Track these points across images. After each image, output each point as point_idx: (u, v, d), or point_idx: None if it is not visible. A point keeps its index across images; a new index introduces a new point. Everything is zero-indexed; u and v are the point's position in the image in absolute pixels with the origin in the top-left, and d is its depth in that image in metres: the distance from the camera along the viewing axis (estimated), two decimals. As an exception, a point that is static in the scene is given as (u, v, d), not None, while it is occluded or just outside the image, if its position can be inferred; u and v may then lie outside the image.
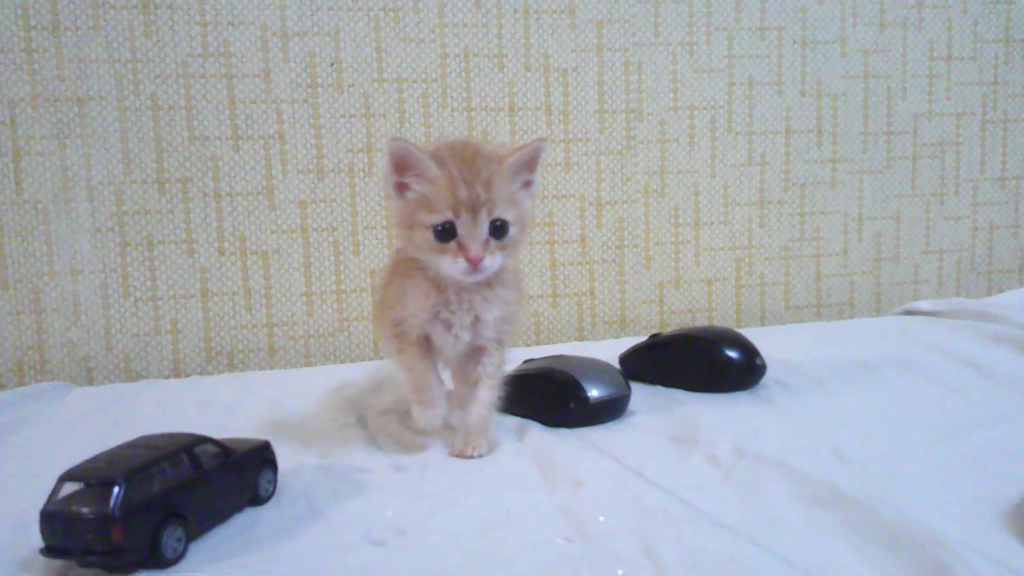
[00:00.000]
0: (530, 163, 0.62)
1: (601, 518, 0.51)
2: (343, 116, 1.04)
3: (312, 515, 0.54)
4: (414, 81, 1.05)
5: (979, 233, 1.24)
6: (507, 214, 0.59)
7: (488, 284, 0.62)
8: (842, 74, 1.17)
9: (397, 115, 1.05)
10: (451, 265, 0.58)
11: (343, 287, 1.06)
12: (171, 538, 0.48)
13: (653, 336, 0.87)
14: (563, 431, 0.69)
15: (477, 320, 0.63)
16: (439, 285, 0.62)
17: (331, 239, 1.05)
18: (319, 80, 1.03)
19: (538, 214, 1.10)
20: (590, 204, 1.12)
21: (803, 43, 1.16)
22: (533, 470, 0.61)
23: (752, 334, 1.05)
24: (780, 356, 0.90)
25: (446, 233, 0.58)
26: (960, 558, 0.41)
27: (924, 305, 1.11)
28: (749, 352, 0.82)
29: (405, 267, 0.63)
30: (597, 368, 0.75)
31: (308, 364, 1.05)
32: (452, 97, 1.06)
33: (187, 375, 1.01)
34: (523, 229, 0.61)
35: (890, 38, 1.19)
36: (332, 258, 1.05)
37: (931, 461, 0.59)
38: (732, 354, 0.81)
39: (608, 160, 1.12)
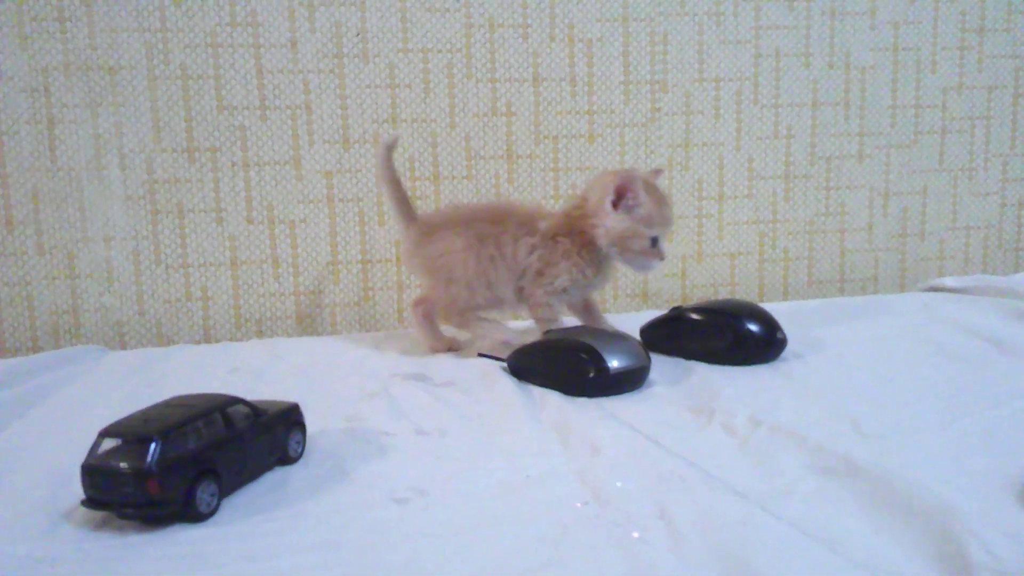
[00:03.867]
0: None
1: (619, 483, 0.52)
2: (368, 86, 1.04)
3: (338, 475, 0.56)
4: (439, 51, 1.05)
5: (1007, 209, 1.23)
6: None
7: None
8: (871, 46, 1.16)
9: (422, 85, 1.05)
10: (653, 262, 0.86)
11: (368, 257, 1.07)
12: (205, 493, 0.50)
13: (674, 309, 0.88)
14: (583, 400, 0.71)
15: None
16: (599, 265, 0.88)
17: (356, 209, 1.06)
18: (345, 50, 1.03)
19: (562, 186, 1.10)
20: (613, 176, 1.11)
21: (832, 14, 1.15)
22: (552, 436, 0.62)
23: (774, 309, 1.06)
24: (801, 331, 0.90)
25: (655, 241, 0.84)
26: (971, 529, 0.42)
27: (948, 282, 1.10)
28: (770, 326, 0.82)
29: (576, 251, 0.86)
30: (618, 339, 0.76)
31: (334, 332, 1.07)
32: (476, 67, 1.07)
33: (217, 341, 1.03)
34: None
35: (921, 9, 1.17)
36: (358, 228, 1.07)
37: (946, 435, 0.59)
38: (753, 327, 0.82)
39: (632, 132, 1.12)
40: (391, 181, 0.90)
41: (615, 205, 0.83)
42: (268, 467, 0.56)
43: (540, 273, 0.86)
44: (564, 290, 0.87)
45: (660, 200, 0.84)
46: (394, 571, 0.44)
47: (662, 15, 1.10)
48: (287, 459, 0.58)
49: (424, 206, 1.07)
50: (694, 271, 1.16)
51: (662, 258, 0.85)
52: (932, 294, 1.09)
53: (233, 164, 1.03)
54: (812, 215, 1.18)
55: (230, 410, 0.53)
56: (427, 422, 0.66)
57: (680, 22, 1.11)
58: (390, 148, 0.90)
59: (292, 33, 1.02)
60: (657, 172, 0.89)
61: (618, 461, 0.56)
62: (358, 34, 1.03)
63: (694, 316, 0.85)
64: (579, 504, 0.50)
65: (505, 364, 0.80)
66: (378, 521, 0.49)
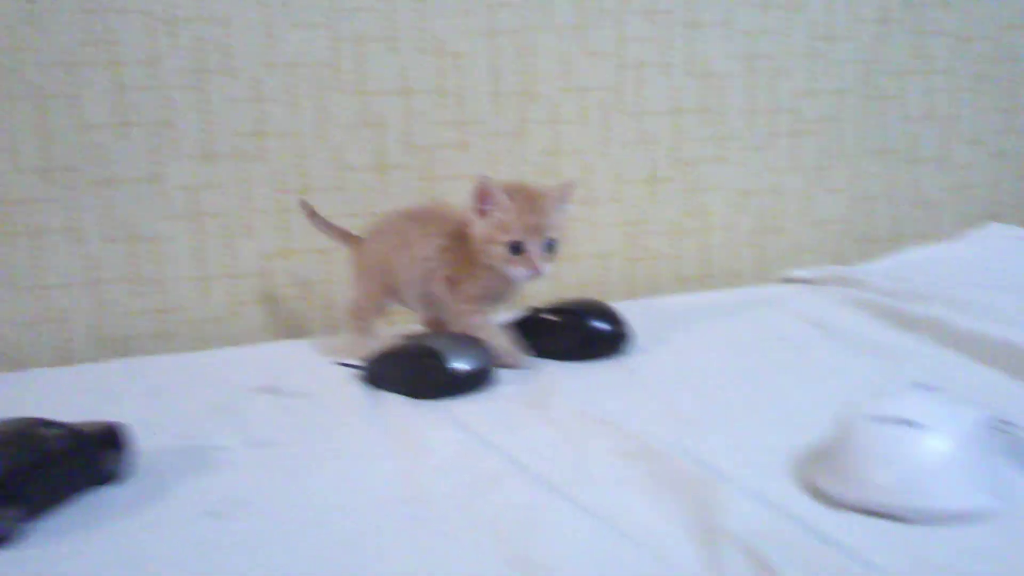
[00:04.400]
0: (567, 197, 0.85)
1: (437, 483, 0.55)
2: (233, 100, 1.04)
3: (158, 492, 0.57)
4: (306, 65, 1.06)
5: (857, 204, 1.31)
6: (556, 235, 0.83)
7: None
8: (727, 55, 1.22)
9: (289, 99, 1.06)
10: (519, 272, 0.82)
11: (235, 271, 1.07)
12: (8, 518, 0.49)
13: (529, 309, 0.91)
14: (429, 403, 0.73)
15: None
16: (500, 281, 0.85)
17: (222, 224, 1.06)
18: (209, 66, 1.03)
19: (435, 196, 1.12)
20: (484, 184, 1.14)
21: (690, 25, 1.20)
22: (386, 441, 0.64)
23: (638, 305, 1.11)
24: (654, 326, 0.95)
25: (516, 249, 0.80)
26: (729, 497, 0.46)
27: (801, 273, 1.17)
28: (615, 322, 0.87)
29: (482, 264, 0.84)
30: (464, 342, 0.78)
31: (201, 349, 1.06)
32: (345, 81, 1.08)
33: (77, 362, 1.01)
34: (563, 244, 0.84)
35: (774, 19, 1.24)
36: (223, 243, 1.06)
37: (754, 417, 0.64)
38: (599, 325, 0.86)
39: (503, 141, 1.15)
40: (325, 228, 0.97)
41: (479, 212, 0.82)
42: (85, 488, 0.56)
43: (452, 281, 0.86)
44: (481, 296, 0.85)
45: (528, 208, 0.81)
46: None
47: (528, 28, 1.14)
48: (107, 479, 0.58)
49: (292, 218, 1.07)
50: (566, 272, 1.20)
51: (531, 268, 0.81)
52: (786, 285, 1.16)
53: (93, 183, 1.01)
54: (677, 215, 1.23)
55: (38, 432, 0.53)
56: (263, 434, 0.67)
57: (546, 35, 1.14)
58: (313, 214, 0.97)
59: (153, 50, 1.01)
60: (566, 185, 0.85)
61: (444, 461, 0.58)
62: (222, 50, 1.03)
63: (546, 316, 0.88)
64: (400, 504, 0.52)
65: (361, 372, 0.82)
66: (190, 537, 0.50)
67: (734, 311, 1.02)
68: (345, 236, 0.97)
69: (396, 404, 0.72)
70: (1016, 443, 0.50)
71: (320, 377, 0.84)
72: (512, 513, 0.49)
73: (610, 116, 1.18)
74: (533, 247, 0.81)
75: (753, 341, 0.88)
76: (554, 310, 0.89)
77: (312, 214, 0.97)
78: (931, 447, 0.45)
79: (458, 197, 1.12)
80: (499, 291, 0.85)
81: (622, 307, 1.09)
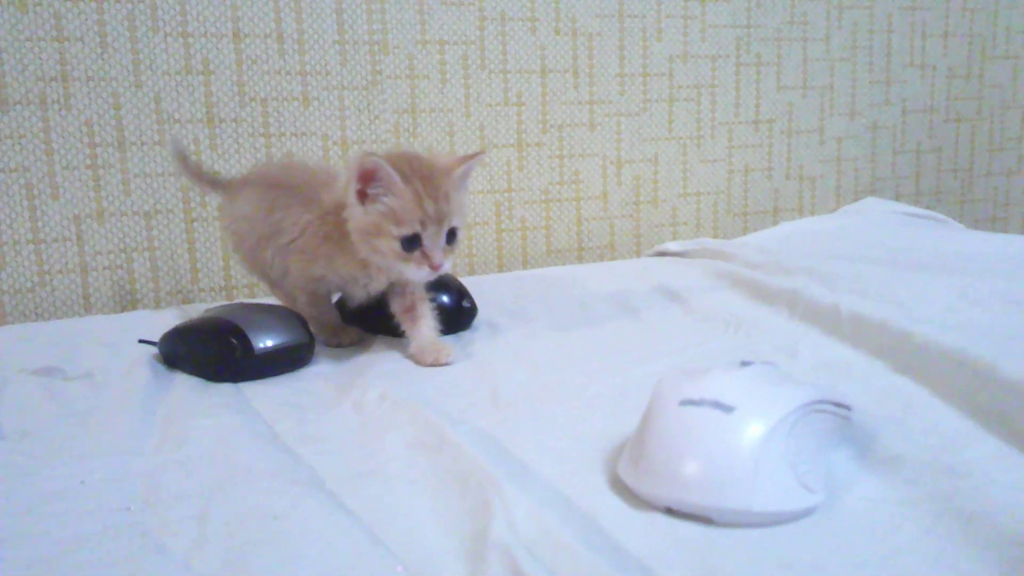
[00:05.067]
0: (468, 173, 0.70)
1: (176, 483, 0.45)
2: (29, 39, 0.90)
3: None
4: (115, 0, 0.93)
5: (734, 175, 1.27)
6: (458, 222, 0.68)
7: None
8: (597, 12, 1.15)
9: (98, 38, 0.93)
10: (415, 271, 0.66)
11: (41, 236, 0.94)
12: None
13: (366, 281, 0.82)
14: (224, 387, 0.63)
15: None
16: (366, 264, 0.68)
17: (22, 181, 0.92)
18: (-6, -4, 0.89)
19: (276, 154, 1.01)
20: (334, 143, 1.04)
21: (558, -22, 1.12)
22: (152, 432, 0.54)
23: (502, 279, 1.03)
24: (512, 299, 0.88)
25: (412, 243, 0.65)
26: (507, 498, 0.39)
27: (672, 246, 1.12)
28: (457, 295, 0.79)
29: (337, 237, 0.68)
30: (273, 315, 0.69)
31: (2, 323, 0.93)
32: (165, 21, 0.95)
33: None
34: (463, 231, 0.70)
35: (647, -23, 1.17)
36: (26, 203, 0.93)
37: (580, 397, 0.57)
38: (439, 298, 0.77)
39: (352, 96, 1.04)
40: (188, 172, 0.84)
41: (361, 195, 0.65)
42: None
43: (284, 272, 0.73)
44: (318, 279, 0.72)
45: (426, 190, 0.64)
46: None
47: (379, -29, 1.03)
48: None
49: (107, 175, 0.94)
50: (428, 243, 1.11)
51: (432, 265, 0.65)
52: (657, 259, 1.11)
53: None
54: (547, 184, 1.16)
55: None
56: (14, 424, 0.56)
57: (399, -21, 1.04)
58: (184, 157, 0.84)
59: (-75, -27, 0.86)
60: (469, 156, 0.69)
61: (198, 456, 0.49)
62: (9, -23, 0.89)
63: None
64: (122, 512, 0.43)
65: (157, 351, 0.71)
66: None
67: (597, 285, 0.96)
68: (204, 179, 0.83)
69: (183, 388, 0.62)
70: (842, 426, 0.45)
71: (115, 357, 0.72)
72: (250, 523, 0.40)
73: (472, 73, 1.10)
74: (434, 241, 0.65)
75: (606, 316, 0.82)
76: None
77: (183, 157, 0.83)
78: (742, 435, 0.39)
79: (300, 156, 1.02)
80: (360, 285, 0.71)
81: (486, 281, 1.02)
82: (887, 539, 0.37)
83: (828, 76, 1.29)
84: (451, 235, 0.67)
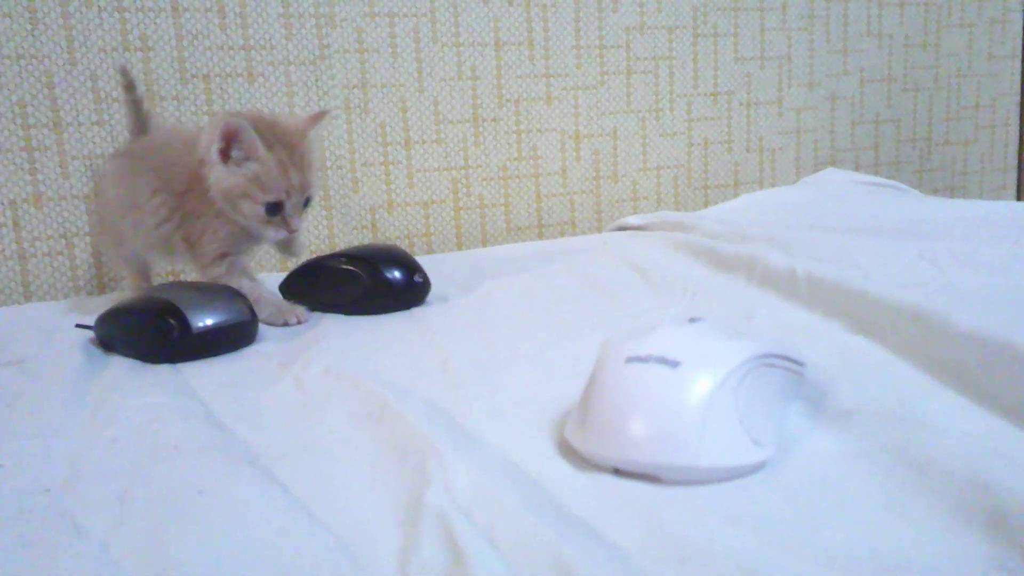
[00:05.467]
0: (313, 133, 0.74)
1: (101, 463, 0.43)
2: (-49, 15, 0.86)
3: None
4: (47, -25, 0.89)
5: (694, 149, 1.26)
6: (313, 188, 0.72)
7: None
8: (551, -17, 1.12)
9: (27, 15, 0.88)
10: (274, 233, 0.71)
11: (-26, 221, 0.90)
12: None
13: (315, 258, 0.80)
14: (161, 368, 0.60)
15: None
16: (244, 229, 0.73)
17: (-50, 164, 0.88)
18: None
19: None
20: (282, 121, 1.01)
21: (512, -51, 1.10)
22: (81, 413, 0.51)
23: (462, 256, 1.01)
24: (467, 275, 0.86)
25: (275, 209, 0.69)
26: (446, 464, 0.37)
27: (632, 220, 1.11)
28: (409, 270, 0.76)
29: (217, 211, 0.71)
30: (214, 294, 0.66)
31: (-65, 314, 0.89)
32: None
33: None
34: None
35: (602, -53, 1.15)
36: (-45, 187, 0.89)
37: (532, 365, 0.55)
38: (390, 273, 0.75)
39: (299, 71, 1.01)
40: (131, 103, 0.82)
41: (223, 155, 0.68)
42: None
43: (190, 242, 0.73)
44: (224, 254, 0.73)
45: (290, 159, 0.69)
46: None
47: (324, -58, 1.00)
48: None
49: (42, 157, 0.91)
50: (385, 222, 1.09)
51: (290, 230, 0.71)
52: (617, 233, 1.09)
53: None
54: (504, 160, 1.14)
55: None
56: (-62, 410, 0.53)
57: (345, -49, 1.01)
58: (131, 86, 0.82)
59: None
60: (318, 116, 0.74)
61: (126, 435, 0.46)
62: None
63: (332, 264, 0.77)
64: (41, 493, 0.40)
65: (93, 334, 0.68)
66: None
67: (556, 259, 0.94)
68: (137, 121, 0.82)
69: (118, 371, 0.59)
70: (794, 381, 0.43)
71: (50, 342, 0.69)
72: (174, 499, 0.37)
73: (423, 46, 1.07)
74: (294, 208, 0.71)
75: (565, 289, 0.80)
76: (342, 257, 0.78)
77: (129, 86, 0.82)
78: (688, 390, 0.37)
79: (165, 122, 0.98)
80: (245, 241, 0.74)
81: (444, 258, 1.00)
82: (838, 490, 0.36)
83: (786, 46, 1.29)
84: (308, 201, 0.73)
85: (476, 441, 0.42)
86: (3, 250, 0.91)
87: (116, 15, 0.92)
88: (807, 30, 1.30)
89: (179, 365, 0.60)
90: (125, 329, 0.64)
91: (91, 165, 0.93)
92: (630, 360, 0.39)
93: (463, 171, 1.12)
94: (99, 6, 0.91)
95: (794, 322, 0.61)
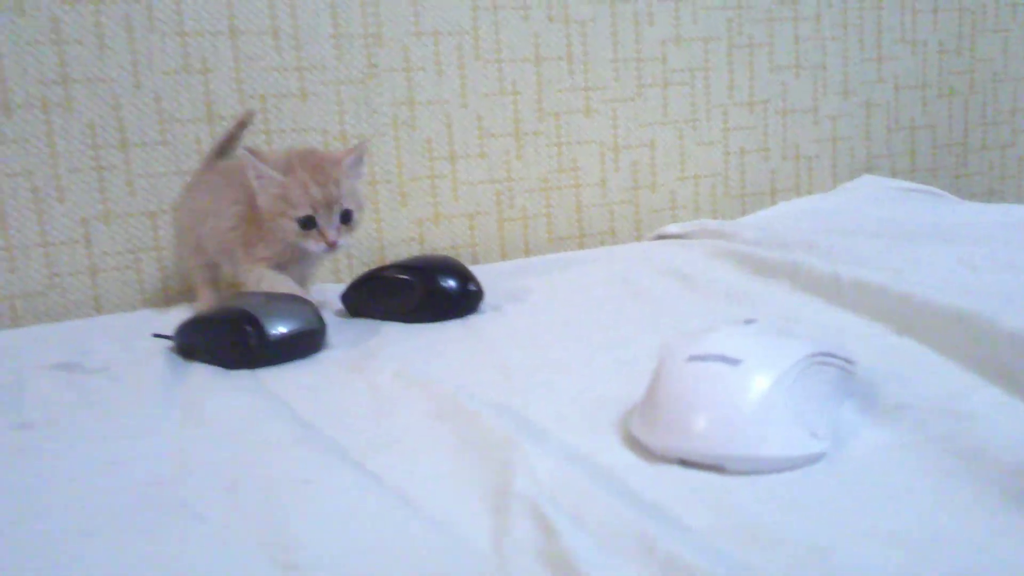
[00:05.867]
0: (359, 161, 0.81)
1: (205, 456, 0.46)
2: (29, 43, 0.92)
3: None
4: (112, 1, 0.94)
5: (731, 157, 1.28)
6: (351, 205, 0.79)
7: None
8: (589, -1, 1.16)
9: (96, 40, 0.94)
10: (314, 245, 0.77)
11: (49, 239, 0.95)
12: None
13: (373, 269, 0.84)
14: (240, 373, 0.64)
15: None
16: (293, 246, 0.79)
17: (28, 185, 0.93)
18: (-5, 2, 0.90)
19: (264, 148, 1.02)
20: (333, 138, 1.05)
21: (550, -34, 1.14)
22: (174, 415, 0.55)
23: (507, 266, 1.05)
24: (515, 284, 0.89)
25: (308, 223, 0.76)
26: (528, 456, 0.40)
27: (672, 228, 1.13)
28: (463, 279, 0.80)
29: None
30: (286, 304, 0.70)
31: (15, 326, 0.94)
32: (162, 20, 0.96)
33: None
34: (361, 211, 0.81)
35: (637, -37, 1.18)
36: (32, 207, 0.94)
37: (588, 368, 0.58)
38: (445, 282, 0.79)
39: (350, 90, 1.06)
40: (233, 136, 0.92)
41: (257, 184, 0.78)
42: None
43: (248, 244, 0.81)
44: (267, 260, 0.80)
45: (313, 178, 0.76)
46: None
47: (372, -34, 1.05)
48: None
49: (111, 176, 0.96)
50: (432, 234, 1.13)
51: (327, 242, 0.77)
52: (658, 242, 1.12)
53: None
54: (546, 172, 1.17)
55: None
56: (40, 414, 0.58)
57: (392, -27, 1.06)
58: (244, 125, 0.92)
59: (-74, -18, 0.87)
60: (355, 147, 0.81)
61: (224, 433, 0.50)
62: (9, -17, 0.90)
63: (390, 275, 0.81)
64: (155, 486, 0.44)
65: (172, 343, 0.72)
66: None
67: (599, 268, 0.97)
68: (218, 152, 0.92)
69: (200, 376, 0.63)
70: (846, 379, 0.46)
71: (130, 351, 0.74)
72: (282, 488, 0.41)
73: (467, 63, 1.11)
74: (325, 221, 0.77)
75: (610, 296, 0.83)
76: (400, 267, 0.82)
77: (244, 126, 0.93)
78: (749, 386, 0.40)
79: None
80: (294, 256, 0.80)
81: (490, 268, 1.03)
82: (891, 480, 0.38)
83: (820, 55, 1.31)
84: (346, 216, 0.78)
85: (547, 437, 0.45)
86: (76, 265, 0.96)
87: (178, 39, 0.97)
88: (841, 39, 1.32)
89: (256, 371, 0.64)
90: (204, 337, 0.68)
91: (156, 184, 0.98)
92: (692, 359, 0.42)
93: (506, 183, 1.16)
94: (162, 31, 0.96)
95: (839, 325, 0.64)
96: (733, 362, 0.41)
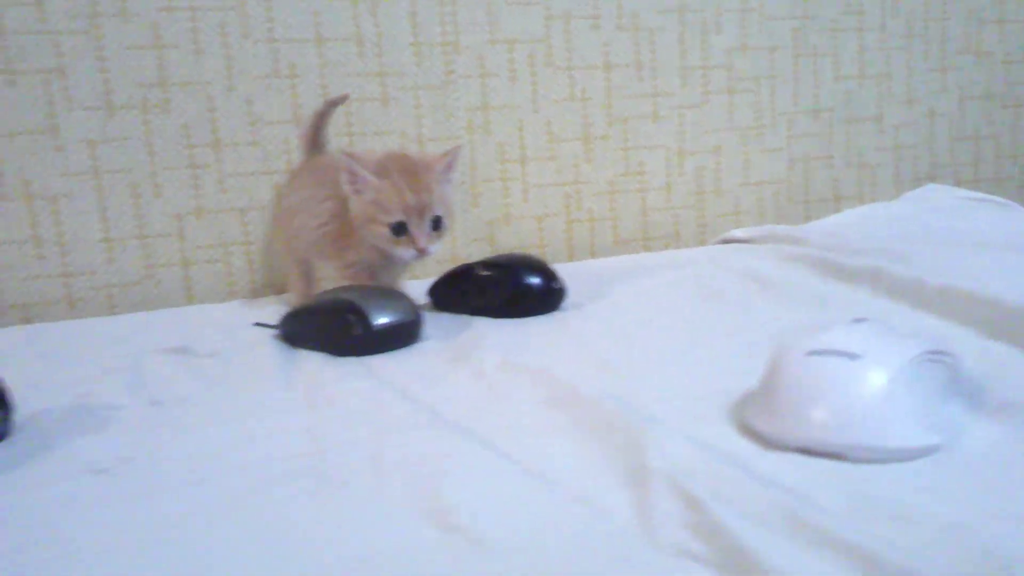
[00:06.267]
0: (452, 166, 0.82)
1: (340, 433, 0.50)
2: (131, 47, 0.96)
3: (41, 450, 0.51)
4: (209, 9, 0.99)
5: (795, 164, 1.29)
6: (441, 211, 0.79)
7: None
8: (658, 8, 1.18)
9: (192, 46, 0.99)
10: (404, 252, 0.78)
11: (146, 232, 1.00)
12: None
13: (460, 266, 0.87)
14: (348, 360, 0.68)
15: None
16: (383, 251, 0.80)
17: (127, 180, 0.98)
18: (101, 8, 0.95)
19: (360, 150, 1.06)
20: (411, 141, 1.09)
21: (621, -24, 1.16)
22: (296, 396, 0.59)
23: (576, 266, 1.07)
24: (592, 284, 0.92)
25: (399, 229, 0.76)
26: (657, 438, 0.42)
27: (739, 233, 1.15)
28: (547, 277, 0.83)
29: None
30: (387, 296, 0.73)
31: (112, 314, 0.99)
32: (254, 28, 1.01)
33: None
34: (451, 217, 0.82)
35: (705, -28, 1.21)
36: (131, 201, 0.99)
37: (683, 363, 0.60)
38: (531, 279, 0.82)
39: (428, 95, 1.09)
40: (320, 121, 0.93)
41: (352, 189, 0.78)
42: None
43: (338, 247, 0.83)
44: (359, 263, 0.82)
45: (407, 184, 0.76)
46: (59, 541, 0.39)
47: (451, -26, 1.08)
48: (-18, 439, 0.52)
49: (204, 175, 1.00)
50: (502, 234, 1.16)
51: (417, 248, 0.77)
52: (724, 246, 1.14)
53: (-23, 134, 0.93)
54: (613, 176, 1.20)
55: None
56: (167, 393, 0.62)
57: (470, -18, 1.09)
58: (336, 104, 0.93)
59: (40, -11, 0.93)
60: (448, 152, 0.81)
61: (352, 413, 0.54)
62: (116, -10, 0.95)
63: (477, 272, 0.84)
64: (296, 458, 0.47)
65: (277, 331, 0.76)
66: (65, 493, 0.45)
67: (671, 269, 0.99)
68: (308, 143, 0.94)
69: (311, 361, 0.67)
70: (955, 375, 0.48)
71: (235, 338, 0.78)
72: (424, 461, 0.44)
73: (539, 70, 1.14)
74: (417, 227, 0.77)
75: (689, 296, 0.85)
76: (486, 265, 0.85)
77: (332, 107, 0.94)
78: (869, 380, 0.42)
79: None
80: (383, 261, 0.81)
81: (560, 268, 1.05)
82: (1011, 470, 0.40)
83: (885, 64, 1.32)
84: (437, 222, 0.78)
85: (666, 424, 0.47)
86: (170, 257, 1.01)
87: (268, 45, 1.02)
88: (906, 49, 1.32)
89: (362, 358, 0.68)
90: (310, 326, 0.72)
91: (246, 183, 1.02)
92: (811, 353, 0.44)
93: (574, 186, 1.18)
94: (254, 38, 1.01)
95: (929, 329, 0.65)
96: (853, 356, 0.43)
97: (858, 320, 0.48)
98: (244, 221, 1.03)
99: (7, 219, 0.95)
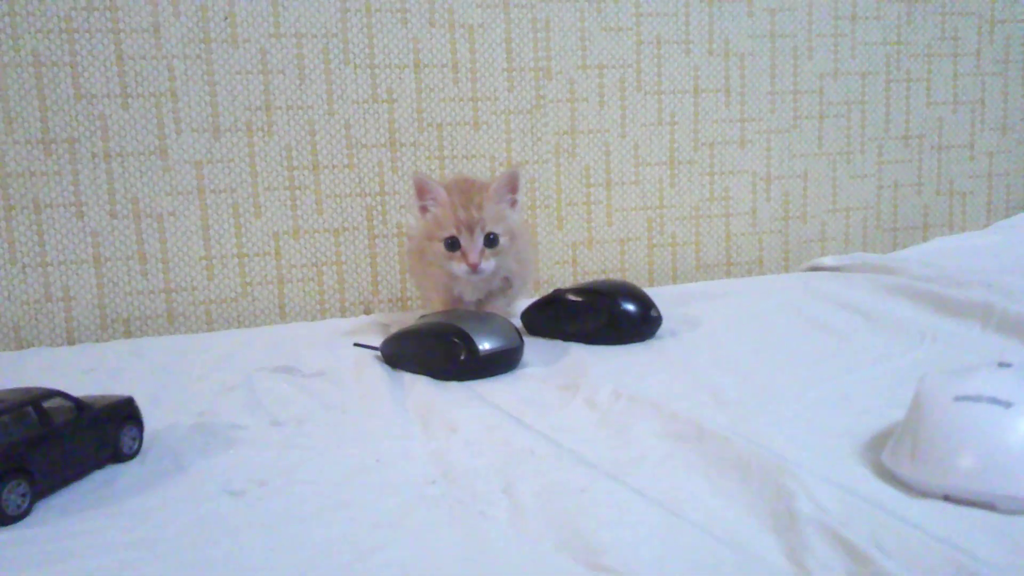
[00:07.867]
0: (511, 186, 0.82)
1: (468, 461, 0.50)
2: (239, 72, 1.00)
3: (175, 470, 0.53)
4: (313, 36, 1.02)
5: (884, 191, 1.27)
6: (496, 228, 0.80)
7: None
8: (749, 33, 1.18)
9: (296, 71, 1.02)
10: (457, 267, 0.80)
11: (244, 251, 1.03)
12: (13, 493, 0.46)
13: (555, 291, 0.87)
14: (453, 384, 0.69)
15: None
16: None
17: (230, 201, 1.02)
18: (212, 35, 0.99)
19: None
20: (500, 164, 1.10)
21: (710, 1, 1.16)
22: (413, 420, 0.60)
23: (661, 292, 1.07)
24: (682, 310, 0.91)
25: (453, 244, 0.79)
26: (802, 484, 0.42)
27: (827, 261, 1.13)
28: (644, 304, 0.83)
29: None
30: (489, 321, 0.74)
31: (210, 330, 1.02)
32: (353, 53, 1.04)
33: (80, 343, 0.97)
34: (512, 238, 0.82)
35: (796, -2, 1.20)
36: (232, 220, 1.02)
37: (803, 399, 0.60)
38: (627, 307, 0.82)
39: (518, 119, 1.11)
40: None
41: (422, 210, 0.82)
42: (97, 465, 0.52)
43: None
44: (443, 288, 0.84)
45: (461, 201, 0.79)
46: (213, 566, 0.41)
47: (543, 1, 1.10)
48: (121, 456, 0.54)
49: (302, 196, 1.03)
50: (585, 257, 1.16)
51: (468, 263, 0.78)
52: (812, 273, 1.12)
53: (94, 155, 0.97)
54: (697, 200, 1.19)
55: (46, 404, 0.49)
56: (285, 413, 0.63)
57: (561, 8, 1.10)
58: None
59: (154, 17, 0.97)
60: (507, 173, 0.82)
61: (474, 440, 0.54)
62: (226, 18, 0.99)
63: (571, 298, 0.84)
64: (428, 484, 0.48)
65: (379, 353, 0.78)
66: (207, 515, 0.46)
67: (763, 297, 0.98)
68: None
69: (419, 384, 0.68)
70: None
71: (337, 358, 0.80)
72: (559, 495, 0.44)
73: (628, 95, 1.14)
74: (468, 242, 0.78)
75: (788, 326, 0.84)
76: (580, 291, 0.85)
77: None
78: (1022, 429, 0.41)
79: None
80: (452, 286, 0.83)
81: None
82: None
83: (979, 91, 1.28)
84: (491, 240, 0.80)
85: (798, 463, 0.46)
86: (266, 275, 1.04)
87: (368, 71, 1.04)
88: (1001, 75, 1.29)
89: (467, 383, 0.69)
90: (415, 349, 0.73)
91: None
92: (959, 399, 0.43)
93: (658, 211, 1.18)
94: (355, 64, 1.04)
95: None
96: (1005, 404, 0.42)
97: (1003, 364, 0.46)
98: (337, 242, 1.05)
99: (116, 236, 0.99)
